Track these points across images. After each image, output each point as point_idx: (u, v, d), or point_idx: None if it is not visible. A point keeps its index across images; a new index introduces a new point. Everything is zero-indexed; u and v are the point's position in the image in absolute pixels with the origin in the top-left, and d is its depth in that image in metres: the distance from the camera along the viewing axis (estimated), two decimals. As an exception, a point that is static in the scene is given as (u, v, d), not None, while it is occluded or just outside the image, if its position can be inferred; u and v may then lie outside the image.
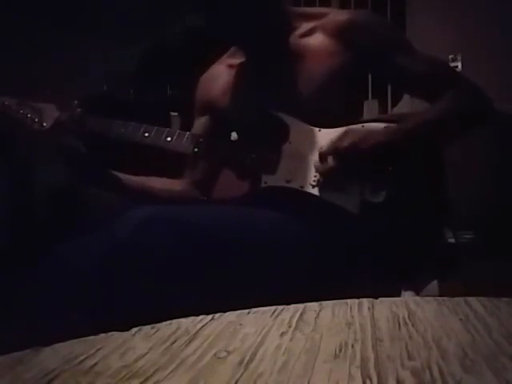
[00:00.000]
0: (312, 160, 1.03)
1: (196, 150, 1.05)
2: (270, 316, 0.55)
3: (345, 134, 1.00)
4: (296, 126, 1.06)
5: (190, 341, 0.49)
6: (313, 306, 0.57)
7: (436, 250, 1.09)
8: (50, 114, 1.09)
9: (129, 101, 3.27)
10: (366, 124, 1.06)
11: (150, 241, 0.82)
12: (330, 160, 0.99)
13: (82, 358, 0.47)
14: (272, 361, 0.42)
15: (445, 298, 0.57)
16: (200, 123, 1.25)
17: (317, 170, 1.01)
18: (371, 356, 0.42)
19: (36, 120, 1.08)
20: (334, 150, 0.99)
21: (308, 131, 1.06)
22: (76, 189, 1.04)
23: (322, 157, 1.00)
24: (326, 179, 1.00)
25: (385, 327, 0.49)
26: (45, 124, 1.08)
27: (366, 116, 1.35)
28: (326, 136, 1.03)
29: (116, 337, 0.53)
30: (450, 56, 2.60)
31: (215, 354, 0.45)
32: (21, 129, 1.10)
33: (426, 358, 0.41)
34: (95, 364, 0.45)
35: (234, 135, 1.25)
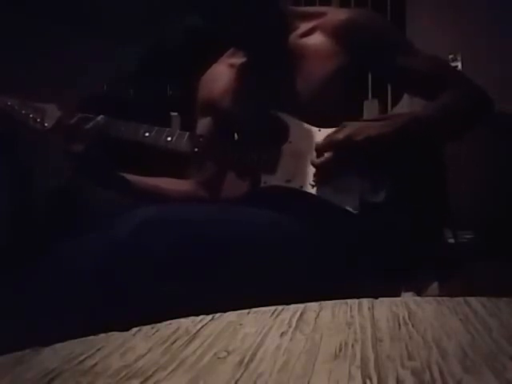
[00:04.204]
0: (312, 164, 1.03)
1: (196, 149, 1.05)
2: (270, 316, 0.55)
3: (340, 128, 1.00)
4: (296, 126, 1.06)
5: (190, 341, 0.49)
6: (313, 306, 0.57)
7: (436, 250, 1.09)
8: (51, 114, 1.09)
9: (129, 100, 3.27)
10: (366, 124, 1.06)
11: (151, 241, 0.82)
12: (326, 154, 0.99)
13: (82, 358, 0.47)
14: (272, 361, 0.42)
15: (445, 298, 0.57)
16: (203, 124, 1.25)
17: (312, 164, 1.01)
18: (371, 356, 0.42)
19: (38, 120, 1.09)
20: (330, 143, 0.99)
21: (308, 131, 1.06)
22: (77, 189, 1.04)
23: (318, 151, 1.01)
24: (323, 175, 1.00)
25: (385, 327, 0.49)
26: (46, 124, 1.09)
27: (366, 116, 1.35)
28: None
29: (116, 337, 0.53)
30: (450, 56, 2.60)
31: (215, 354, 0.45)
32: (23, 128, 1.10)
33: (426, 357, 0.41)
34: (95, 364, 0.45)
35: (233, 135, 1.25)
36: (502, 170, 1.91)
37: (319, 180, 1.01)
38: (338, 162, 0.99)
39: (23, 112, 1.09)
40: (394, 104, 2.73)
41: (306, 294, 0.62)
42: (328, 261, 0.97)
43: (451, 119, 1.05)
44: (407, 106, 2.32)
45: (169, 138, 1.06)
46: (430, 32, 2.73)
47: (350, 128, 0.99)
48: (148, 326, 0.55)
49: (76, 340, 0.53)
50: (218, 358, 0.44)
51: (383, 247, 0.96)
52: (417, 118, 1.03)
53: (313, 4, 2.93)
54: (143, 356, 0.46)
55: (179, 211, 0.90)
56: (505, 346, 0.42)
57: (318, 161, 1.00)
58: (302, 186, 1.02)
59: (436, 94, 1.06)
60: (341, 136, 0.98)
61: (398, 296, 1.02)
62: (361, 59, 1.09)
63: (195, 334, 0.51)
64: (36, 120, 1.09)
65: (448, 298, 0.57)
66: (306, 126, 1.06)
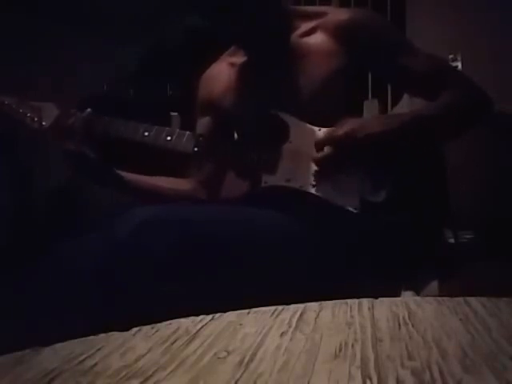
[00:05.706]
0: (312, 160, 1.03)
1: (196, 149, 1.05)
2: (270, 316, 0.55)
3: (342, 123, 1.00)
4: (296, 126, 1.06)
5: (190, 341, 0.49)
6: (313, 306, 0.57)
7: (436, 249, 1.09)
8: (49, 113, 1.09)
9: (129, 100, 3.27)
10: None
11: (151, 241, 0.82)
12: (326, 150, 1.00)
13: (82, 358, 0.47)
14: (272, 361, 0.42)
15: (445, 298, 0.57)
16: (203, 123, 1.25)
17: (313, 160, 1.01)
18: (371, 356, 0.42)
19: (35, 119, 1.08)
20: (330, 138, 1.00)
21: (308, 131, 1.06)
22: (76, 188, 1.04)
23: (318, 146, 1.01)
24: (323, 172, 1.00)
25: (385, 327, 0.49)
26: (44, 123, 1.08)
27: (366, 116, 1.34)
28: (325, 136, 1.03)
29: (116, 337, 0.53)
30: (450, 56, 2.59)
31: (215, 354, 0.45)
32: (21, 128, 1.10)
33: (426, 357, 0.41)
34: (95, 364, 0.45)
35: (233, 135, 1.25)
36: (502, 169, 1.91)
37: (319, 180, 1.01)
38: (338, 158, 0.99)
39: (21, 111, 1.09)
40: (394, 104, 2.72)
41: (306, 294, 0.62)
42: (328, 261, 0.97)
43: (451, 119, 1.05)
44: (407, 105, 2.32)
45: (168, 138, 1.05)
46: (430, 32, 2.73)
47: (350, 124, 0.99)
48: (148, 326, 0.55)
49: (76, 340, 0.53)
50: (218, 358, 0.44)
51: (383, 247, 0.97)
52: (417, 117, 1.03)
53: (313, 4, 2.93)
54: (143, 356, 0.46)
55: (179, 211, 0.90)
56: (505, 346, 0.42)
57: (317, 156, 1.00)
58: (302, 186, 1.02)
59: (436, 94, 1.06)
60: (341, 132, 0.99)
61: (398, 296, 1.02)
62: (361, 59, 1.09)
63: (195, 334, 0.51)
64: (34, 119, 1.08)
65: (448, 298, 0.57)
66: (307, 125, 1.06)
